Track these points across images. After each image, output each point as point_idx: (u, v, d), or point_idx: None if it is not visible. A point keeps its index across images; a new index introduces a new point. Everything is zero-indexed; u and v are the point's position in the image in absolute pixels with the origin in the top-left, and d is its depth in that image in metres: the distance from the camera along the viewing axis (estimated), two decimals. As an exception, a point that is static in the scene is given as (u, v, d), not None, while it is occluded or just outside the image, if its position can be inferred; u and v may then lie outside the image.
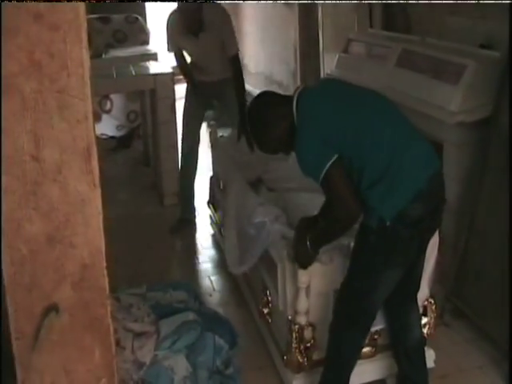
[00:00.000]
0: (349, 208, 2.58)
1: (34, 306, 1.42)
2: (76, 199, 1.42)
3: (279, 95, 2.92)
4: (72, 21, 1.39)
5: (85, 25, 1.42)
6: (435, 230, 2.83)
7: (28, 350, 1.41)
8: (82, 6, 1.39)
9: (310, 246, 2.78)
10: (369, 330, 2.88)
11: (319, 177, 2.57)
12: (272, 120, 2.78)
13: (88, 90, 1.39)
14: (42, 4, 1.35)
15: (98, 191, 1.41)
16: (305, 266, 2.85)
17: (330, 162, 2.54)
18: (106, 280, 1.44)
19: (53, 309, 1.41)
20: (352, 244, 2.81)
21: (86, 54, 1.39)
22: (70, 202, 1.42)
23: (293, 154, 2.81)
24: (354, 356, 2.90)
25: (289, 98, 2.77)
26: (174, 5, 4.61)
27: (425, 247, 2.81)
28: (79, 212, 1.42)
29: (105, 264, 1.44)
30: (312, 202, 3.29)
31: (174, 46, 4.78)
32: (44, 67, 1.38)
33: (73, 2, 1.37)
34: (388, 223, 2.55)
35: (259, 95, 2.94)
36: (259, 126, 2.84)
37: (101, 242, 1.43)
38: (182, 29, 4.59)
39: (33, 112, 1.38)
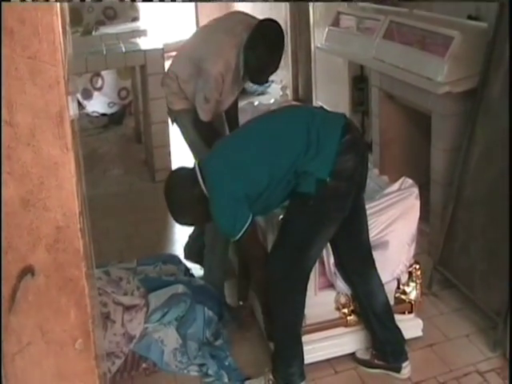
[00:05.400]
0: (255, 255, 2.92)
1: (10, 268, 1.44)
2: (49, 163, 1.44)
3: (189, 174, 2.95)
4: (42, -13, 1.40)
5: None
6: (365, 184, 2.95)
7: (5, 311, 1.44)
8: (51, -29, 1.40)
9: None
10: (306, 290, 2.92)
11: (236, 236, 2.79)
12: (188, 203, 2.91)
13: (59, 56, 1.41)
14: (11, -29, 1.36)
15: (71, 154, 1.43)
16: None
17: (245, 227, 2.74)
18: (81, 242, 1.46)
19: (28, 271, 1.44)
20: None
21: (56, 20, 1.40)
22: (44, 166, 1.44)
23: None
24: (299, 317, 2.96)
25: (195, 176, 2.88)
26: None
27: (359, 204, 2.94)
28: (53, 175, 1.44)
29: (79, 226, 1.46)
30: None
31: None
32: (15, 34, 1.39)
33: (42, -31, 1.38)
34: (328, 180, 2.69)
35: (170, 176, 3.06)
36: (176, 208, 2.98)
37: (74, 205, 1.45)
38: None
39: (5, 78, 1.39)
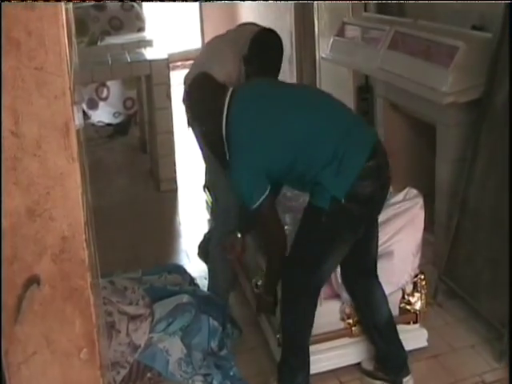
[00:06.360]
0: (273, 234, 2.87)
1: (16, 278, 1.45)
2: (55, 173, 1.45)
3: (215, 86, 2.99)
4: (48, -1, 1.41)
5: (62, 3, 1.44)
6: (382, 206, 2.91)
7: (10, 321, 1.45)
8: (57, -16, 1.41)
9: (264, 294, 3.08)
10: (316, 302, 2.91)
11: (251, 206, 2.75)
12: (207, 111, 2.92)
13: (65, 67, 1.42)
14: (16, -16, 1.37)
15: (77, 165, 1.44)
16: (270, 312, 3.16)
17: (263, 197, 2.72)
18: (86, 252, 1.47)
19: (34, 280, 1.45)
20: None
21: (62, 32, 1.41)
22: (50, 176, 1.45)
23: None
24: (307, 329, 2.95)
25: (222, 95, 2.87)
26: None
27: (374, 223, 2.93)
28: (59, 186, 1.45)
29: (84, 236, 1.47)
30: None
31: None
32: (22, 45, 1.41)
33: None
34: (343, 201, 2.66)
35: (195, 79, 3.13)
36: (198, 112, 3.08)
37: (80, 215, 1.46)
38: None
39: (12, 89, 1.41)
